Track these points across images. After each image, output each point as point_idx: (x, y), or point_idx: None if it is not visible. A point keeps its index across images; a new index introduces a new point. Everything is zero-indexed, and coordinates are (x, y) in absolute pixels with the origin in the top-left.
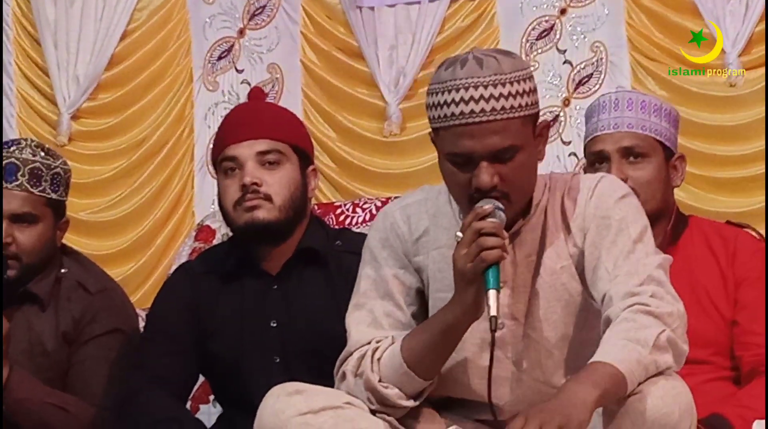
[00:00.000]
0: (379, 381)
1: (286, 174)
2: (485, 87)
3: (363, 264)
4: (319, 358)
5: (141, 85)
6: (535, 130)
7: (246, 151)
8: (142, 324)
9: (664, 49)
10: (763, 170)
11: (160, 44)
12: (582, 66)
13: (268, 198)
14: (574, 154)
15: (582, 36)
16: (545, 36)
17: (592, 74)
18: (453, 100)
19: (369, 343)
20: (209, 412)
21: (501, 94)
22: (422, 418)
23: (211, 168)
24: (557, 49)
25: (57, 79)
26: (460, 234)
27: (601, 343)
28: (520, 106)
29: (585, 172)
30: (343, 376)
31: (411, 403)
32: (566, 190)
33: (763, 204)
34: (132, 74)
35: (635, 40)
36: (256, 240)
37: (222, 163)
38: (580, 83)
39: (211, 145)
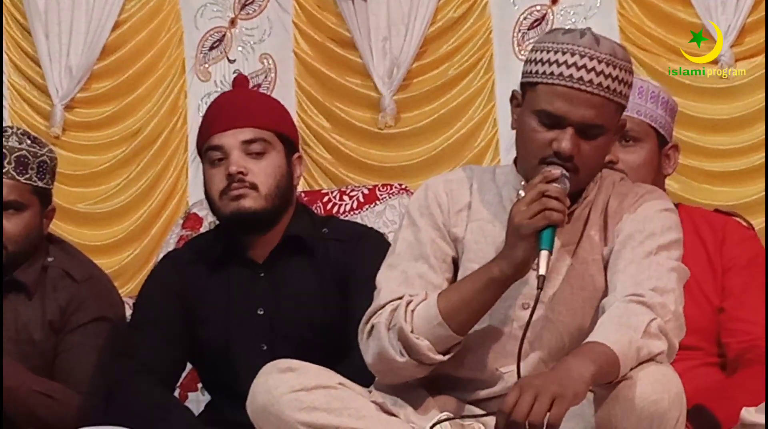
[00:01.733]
0: (411, 331)
1: (272, 162)
2: (599, 62)
3: (400, 228)
4: (305, 346)
5: (134, 75)
6: (618, 123)
7: (231, 140)
8: (129, 312)
9: (655, 39)
10: (760, 162)
11: (152, 34)
12: None
13: (254, 187)
14: None
15: (573, 26)
16: (537, 26)
17: None
18: (566, 62)
19: (402, 297)
20: (198, 399)
21: (611, 75)
22: (415, 404)
23: None
24: None
25: (49, 69)
26: (522, 192)
27: (596, 328)
28: (621, 93)
29: None
30: (372, 329)
31: (440, 358)
32: (614, 192)
33: (758, 196)
34: (125, 64)
35: (627, 30)
36: (243, 229)
37: (207, 152)
38: None
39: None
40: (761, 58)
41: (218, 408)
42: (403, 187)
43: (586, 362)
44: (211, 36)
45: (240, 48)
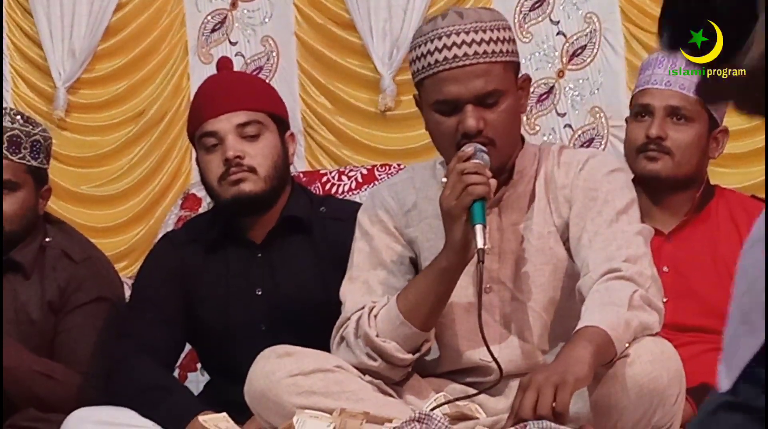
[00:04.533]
0: (377, 336)
1: (268, 143)
2: (466, 33)
3: (354, 240)
4: (304, 326)
5: (137, 56)
6: (517, 80)
7: (225, 124)
8: (128, 292)
9: (656, 20)
10: (762, 144)
11: (154, 16)
12: (575, 38)
13: (252, 170)
14: (569, 126)
15: (574, 6)
16: (538, 7)
17: (585, 46)
18: (436, 48)
19: (364, 307)
20: (197, 379)
21: (482, 39)
22: (410, 383)
23: None
24: (550, 20)
25: (51, 52)
26: (444, 179)
27: (582, 314)
28: (501, 51)
29: (627, 123)
30: (341, 341)
31: (409, 357)
32: (556, 161)
33: (760, 179)
34: (128, 46)
35: (628, 11)
36: (244, 212)
37: (201, 139)
38: (574, 55)
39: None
40: None
41: (217, 388)
42: (402, 167)
43: (583, 344)
44: (212, 18)
45: (241, 30)
